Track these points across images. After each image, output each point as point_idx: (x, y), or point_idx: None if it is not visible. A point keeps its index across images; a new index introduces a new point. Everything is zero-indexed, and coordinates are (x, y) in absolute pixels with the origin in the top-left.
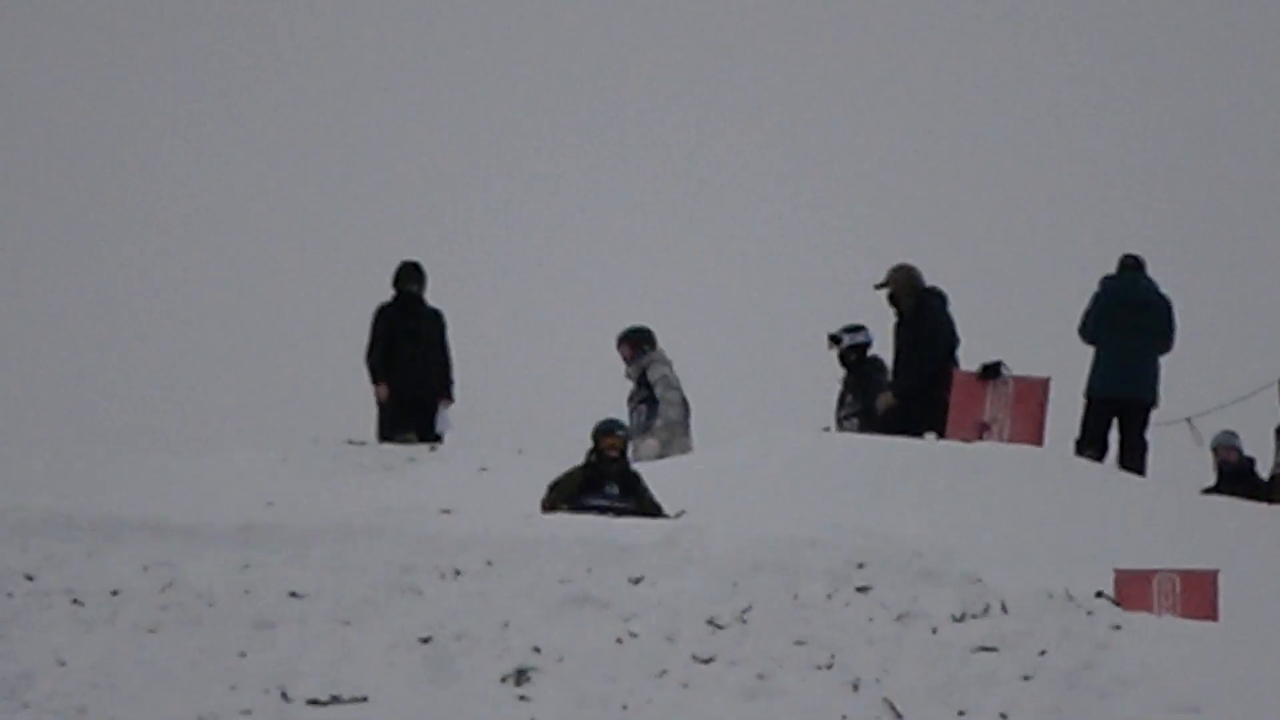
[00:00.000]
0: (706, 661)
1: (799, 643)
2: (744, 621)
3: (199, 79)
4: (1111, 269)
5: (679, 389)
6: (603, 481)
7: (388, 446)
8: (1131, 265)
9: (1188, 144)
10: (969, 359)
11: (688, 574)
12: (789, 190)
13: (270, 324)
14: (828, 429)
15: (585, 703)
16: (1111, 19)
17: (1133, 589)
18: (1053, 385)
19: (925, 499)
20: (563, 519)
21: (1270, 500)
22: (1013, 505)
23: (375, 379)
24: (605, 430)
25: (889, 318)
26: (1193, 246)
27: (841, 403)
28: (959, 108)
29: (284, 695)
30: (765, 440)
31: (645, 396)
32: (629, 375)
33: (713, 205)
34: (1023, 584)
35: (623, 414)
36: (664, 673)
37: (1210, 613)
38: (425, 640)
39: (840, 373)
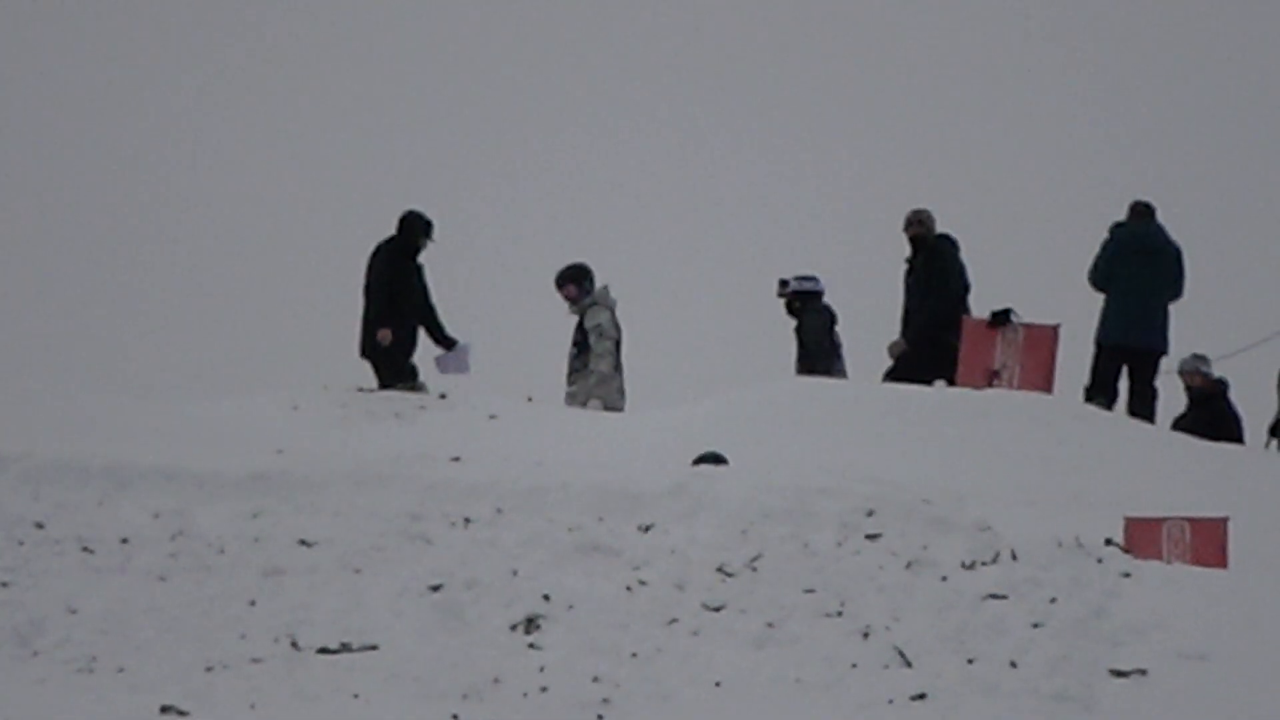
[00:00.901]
0: (716, 610)
1: (809, 591)
2: (754, 569)
3: (203, 38)
4: (1122, 215)
5: (613, 338)
6: None
7: (396, 394)
8: (1142, 212)
9: (1200, 90)
10: (979, 306)
11: (698, 522)
12: (790, 131)
13: (280, 271)
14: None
15: (595, 650)
16: None
17: (1143, 536)
18: (1063, 332)
19: (935, 446)
20: (571, 466)
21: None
22: (1023, 452)
23: (382, 320)
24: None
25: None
26: (1204, 193)
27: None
28: (968, 52)
29: (294, 643)
30: (774, 388)
31: (578, 340)
32: (571, 313)
33: (705, 154)
34: (1033, 532)
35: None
36: (674, 621)
37: (1220, 560)
38: (435, 588)
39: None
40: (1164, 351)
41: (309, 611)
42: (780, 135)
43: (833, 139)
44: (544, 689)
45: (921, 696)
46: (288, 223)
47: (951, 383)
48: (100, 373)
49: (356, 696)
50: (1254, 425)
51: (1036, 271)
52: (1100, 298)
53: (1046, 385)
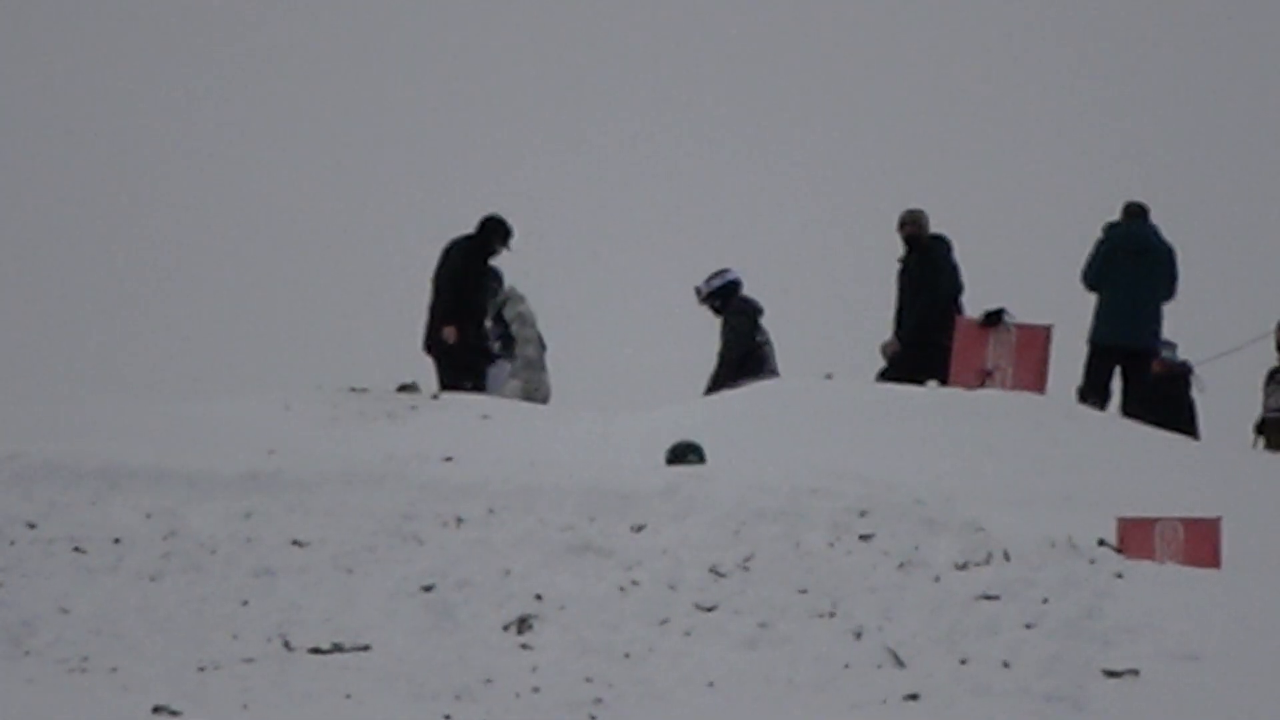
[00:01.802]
0: (709, 610)
1: (801, 591)
2: (746, 570)
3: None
4: (1116, 216)
5: (535, 326)
6: None
7: (389, 393)
8: (1135, 212)
9: (1193, 89)
10: (972, 306)
11: (690, 522)
12: (782, 130)
13: (272, 271)
14: (829, 376)
15: (587, 650)
16: None
17: (1135, 536)
18: (1055, 332)
19: (928, 446)
20: (564, 466)
21: (1267, 441)
22: (1015, 453)
23: (449, 317)
24: (678, 457)
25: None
26: (1196, 194)
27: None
28: (960, 51)
29: (286, 643)
30: (767, 388)
31: (500, 334)
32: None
33: (698, 155)
34: (1025, 532)
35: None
36: (666, 621)
37: (1213, 560)
38: (427, 588)
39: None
40: (1157, 352)
41: (301, 611)
42: (772, 135)
43: (825, 138)
44: (536, 689)
45: (914, 697)
46: (280, 223)
47: (944, 383)
48: (93, 373)
49: (349, 697)
50: (1241, 424)
51: (1029, 271)
52: (1093, 298)
53: (1039, 385)
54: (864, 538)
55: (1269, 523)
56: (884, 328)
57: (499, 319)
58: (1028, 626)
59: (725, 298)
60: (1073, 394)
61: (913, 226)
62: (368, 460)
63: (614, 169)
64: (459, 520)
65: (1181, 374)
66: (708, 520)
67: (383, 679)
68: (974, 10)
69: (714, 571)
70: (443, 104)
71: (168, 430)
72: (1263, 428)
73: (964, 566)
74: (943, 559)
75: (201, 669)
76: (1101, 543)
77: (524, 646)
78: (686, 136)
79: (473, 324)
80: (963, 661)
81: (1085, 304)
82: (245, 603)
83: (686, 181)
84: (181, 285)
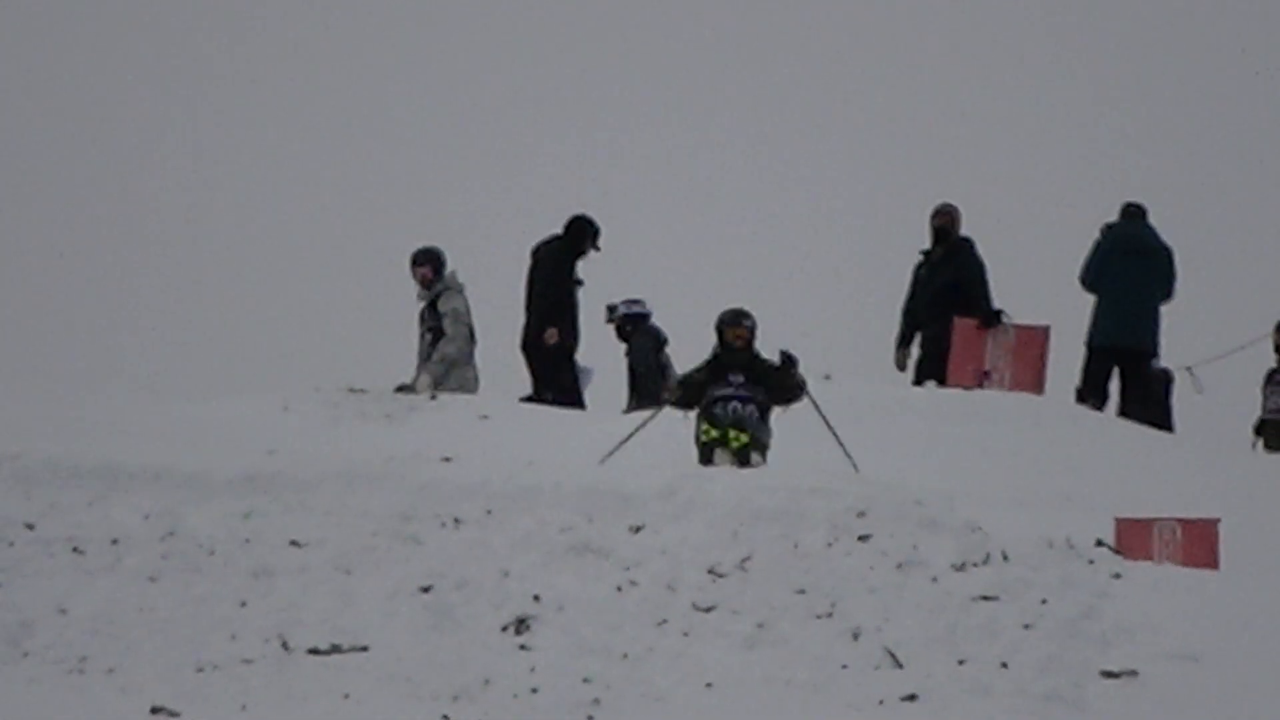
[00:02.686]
0: (707, 610)
1: (799, 591)
2: (744, 570)
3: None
4: (1113, 216)
5: (468, 323)
6: (726, 371)
7: (390, 394)
8: (1134, 213)
9: (1192, 90)
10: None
11: (688, 522)
12: (778, 135)
13: (272, 271)
14: (828, 377)
15: (586, 651)
16: None
17: (1134, 537)
18: (1053, 333)
19: (926, 447)
20: (562, 467)
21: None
22: (1014, 453)
23: (550, 319)
24: (731, 321)
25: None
26: (1195, 195)
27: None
28: (958, 54)
29: (284, 644)
30: None
31: (434, 325)
32: (421, 297)
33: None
34: (1024, 532)
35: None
36: (664, 621)
37: (1211, 561)
38: (426, 589)
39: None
40: (1155, 353)
41: (299, 612)
42: (769, 138)
43: (822, 143)
44: (535, 690)
45: (912, 697)
46: (280, 224)
47: (942, 383)
48: (91, 373)
49: (347, 697)
50: (1239, 426)
51: (1027, 272)
52: (1091, 298)
53: (1037, 386)
54: (862, 538)
55: (1267, 524)
56: (884, 328)
57: (433, 308)
58: (1026, 627)
59: (635, 323)
60: (1071, 395)
61: (945, 218)
62: (367, 461)
63: (613, 171)
64: (457, 521)
65: (1161, 380)
66: (706, 521)
67: (381, 679)
68: (972, 13)
69: (712, 572)
70: (441, 105)
71: (166, 431)
72: (1261, 429)
73: (962, 567)
74: (941, 559)
75: (200, 669)
76: (1100, 543)
77: (522, 647)
78: (691, 143)
79: (566, 326)
80: (961, 662)
81: (1084, 305)
82: (244, 603)
83: (685, 184)
84: (181, 286)
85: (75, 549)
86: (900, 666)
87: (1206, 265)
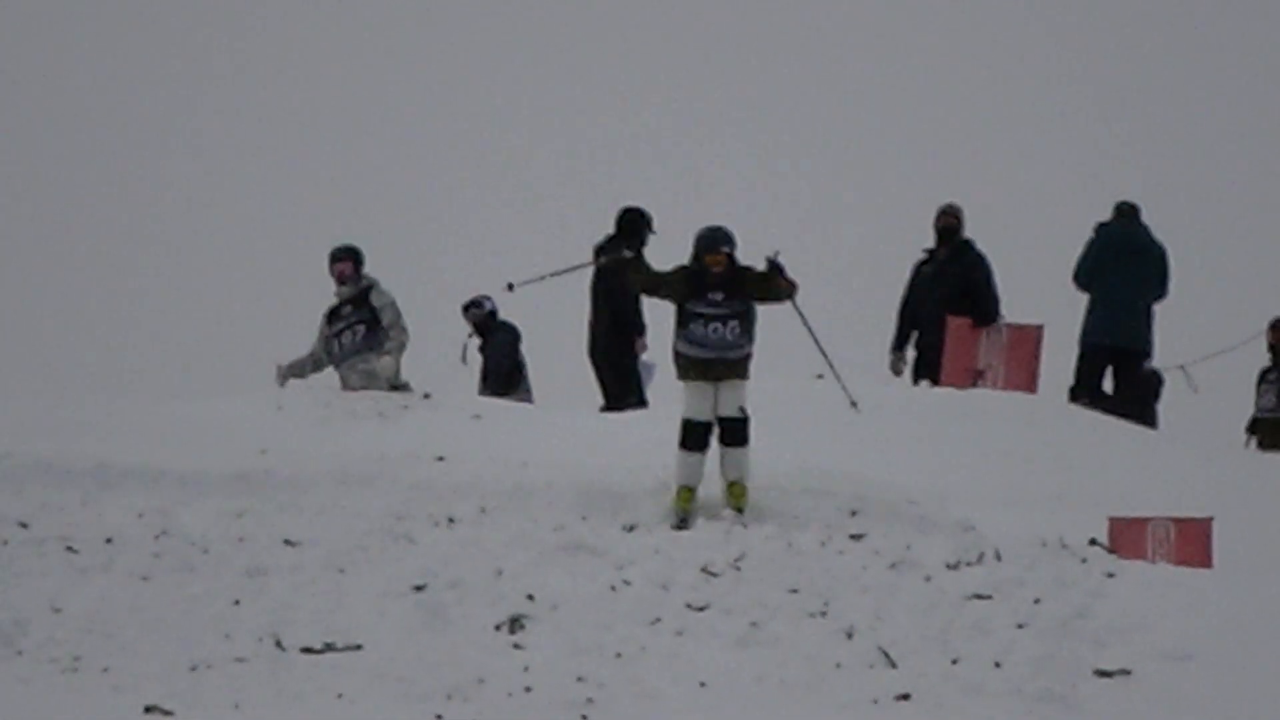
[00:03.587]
0: (700, 609)
1: (793, 591)
2: (738, 569)
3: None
4: (1107, 216)
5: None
6: (705, 288)
7: (381, 393)
8: (1127, 212)
9: (1186, 91)
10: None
11: (682, 522)
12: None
13: (266, 271)
14: (820, 376)
15: (579, 650)
16: None
17: (1127, 536)
18: (1047, 332)
19: (919, 446)
20: (556, 466)
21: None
22: (1007, 452)
23: (638, 330)
24: (710, 246)
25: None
26: (1188, 194)
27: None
28: (952, 54)
29: (278, 643)
30: (758, 387)
31: (365, 319)
32: (341, 294)
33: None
34: (1017, 532)
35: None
36: (658, 620)
37: (1205, 560)
38: (419, 588)
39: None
40: (1148, 352)
41: (293, 611)
42: (758, 136)
43: (814, 140)
44: (528, 689)
45: (906, 697)
46: (273, 223)
47: (936, 382)
48: (84, 373)
49: (340, 696)
50: (1233, 425)
51: (1021, 272)
52: (1085, 298)
53: (1030, 385)
54: (855, 537)
55: (1261, 523)
56: (878, 326)
57: (359, 302)
58: (1019, 626)
59: (490, 316)
60: (1064, 394)
61: (951, 219)
62: (360, 460)
63: (613, 166)
64: (451, 520)
65: (1151, 382)
66: (699, 520)
67: (374, 678)
68: (968, 13)
69: (706, 571)
70: (439, 106)
71: (160, 431)
72: (1255, 427)
73: (956, 566)
74: (934, 558)
75: (193, 668)
76: (1093, 542)
77: (516, 646)
78: (686, 139)
79: (640, 327)
80: (954, 661)
81: (1077, 304)
82: (237, 602)
83: (679, 180)
84: (174, 285)
85: (69, 548)
86: (894, 666)
87: (1200, 264)
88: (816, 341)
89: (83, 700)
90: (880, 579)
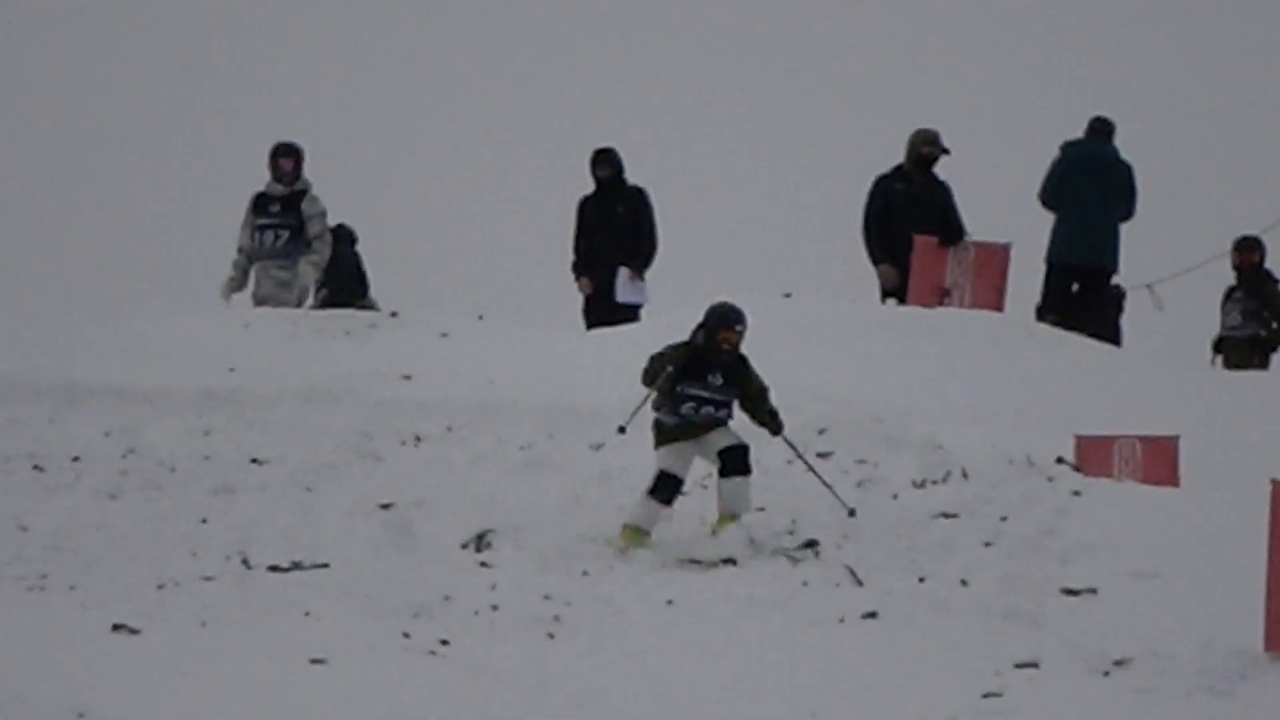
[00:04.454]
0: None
1: (759, 509)
2: (705, 488)
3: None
4: (1077, 134)
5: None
6: (706, 370)
7: (348, 311)
8: (1099, 128)
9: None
10: None
11: (649, 439)
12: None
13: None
14: (788, 295)
15: (546, 568)
16: None
17: (1094, 454)
18: (1014, 251)
19: (886, 365)
20: (522, 384)
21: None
22: (974, 371)
23: (576, 273)
24: (725, 323)
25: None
26: (1154, 112)
27: None
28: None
29: (245, 561)
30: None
31: (291, 224)
32: (274, 190)
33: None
34: (984, 450)
35: None
36: None
37: (1171, 478)
38: (385, 506)
39: None
40: (1114, 270)
41: (260, 529)
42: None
43: (817, 141)
44: (495, 607)
45: (873, 615)
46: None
47: (903, 301)
48: (51, 289)
49: (307, 614)
50: (1199, 343)
51: (987, 190)
52: (1051, 216)
53: (998, 304)
54: (823, 455)
55: (1227, 441)
56: (843, 245)
57: (293, 207)
58: (986, 544)
59: (337, 232)
60: (1031, 312)
61: (934, 148)
62: (327, 378)
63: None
64: (418, 438)
65: (1113, 298)
66: None
67: (341, 596)
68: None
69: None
70: (439, 105)
71: (126, 348)
72: (1220, 346)
73: (922, 484)
74: (901, 476)
75: (160, 587)
76: (1060, 461)
77: (483, 564)
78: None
79: (601, 267)
80: (921, 579)
81: (1044, 222)
82: (204, 520)
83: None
84: (142, 203)
85: (36, 466)
86: (860, 584)
87: (1166, 183)
88: (807, 464)
89: (49, 618)
90: (847, 497)
